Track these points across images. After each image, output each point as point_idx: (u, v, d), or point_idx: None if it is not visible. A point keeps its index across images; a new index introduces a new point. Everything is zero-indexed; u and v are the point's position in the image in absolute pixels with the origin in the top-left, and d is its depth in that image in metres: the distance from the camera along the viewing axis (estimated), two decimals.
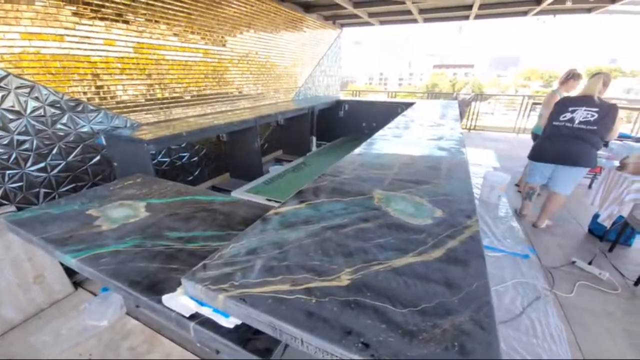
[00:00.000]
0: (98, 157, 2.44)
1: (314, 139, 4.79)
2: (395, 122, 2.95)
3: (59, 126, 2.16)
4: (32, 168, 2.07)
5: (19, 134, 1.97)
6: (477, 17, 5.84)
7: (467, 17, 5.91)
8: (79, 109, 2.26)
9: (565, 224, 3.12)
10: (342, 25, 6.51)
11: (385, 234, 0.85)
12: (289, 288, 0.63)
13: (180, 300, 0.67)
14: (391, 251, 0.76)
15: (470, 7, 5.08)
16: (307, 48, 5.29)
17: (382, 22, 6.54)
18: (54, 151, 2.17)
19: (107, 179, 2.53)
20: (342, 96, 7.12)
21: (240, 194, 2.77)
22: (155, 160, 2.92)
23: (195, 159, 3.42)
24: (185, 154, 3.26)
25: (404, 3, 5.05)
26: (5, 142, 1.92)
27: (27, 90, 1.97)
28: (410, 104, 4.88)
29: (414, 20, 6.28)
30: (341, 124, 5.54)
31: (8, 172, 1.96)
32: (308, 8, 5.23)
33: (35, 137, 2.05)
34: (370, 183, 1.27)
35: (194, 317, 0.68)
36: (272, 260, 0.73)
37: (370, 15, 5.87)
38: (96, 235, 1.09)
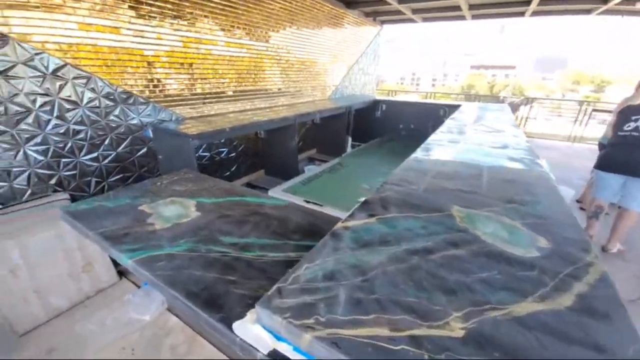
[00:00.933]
0: (144, 149, 2.48)
1: (349, 139, 4.65)
2: (447, 126, 2.73)
3: (111, 117, 2.21)
4: (85, 157, 2.13)
5: (75, 123, 2.03)
6: (535, 13, 5.36)
7: (522, 14, 5.45)
8: (130, 101, 2.30)
9: None
10: (383, 22, 6.28)
11: (485, 265, 0.70)
12: (389, 334, 0.51)
13: (254, 330, 0.57)
14: (503, 291, 0.62)
15: (528, 2, 4.65)
16: (346, 45, 5.15)
17: (425, 19, 6.22)
18: (106, 142, 2.22)
19: (152, 171, 2.58)
20: (377, 96, 6.89)
21: (278, 193, 2.71)
22: (196, 155, 2.93)
23: (233, 154, 3.42)
24: (224, 150, 3.27)
25: None
26: (62, 131, 1.98)
27: (84, 81, 2.02)
28: (454, 106, 4.58)
29: (461, 17, 5.91)
30: (377, 124, 5.35)
31: (63, 160, 2.03)
32: (349, 4, 5.08)
33: (89, 128, 2.11)
34: (443, 196, 1.12)
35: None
36: (357, 290, 0.61)
37: (414, 11, 5.60)
38: (150, 235, 1.04)
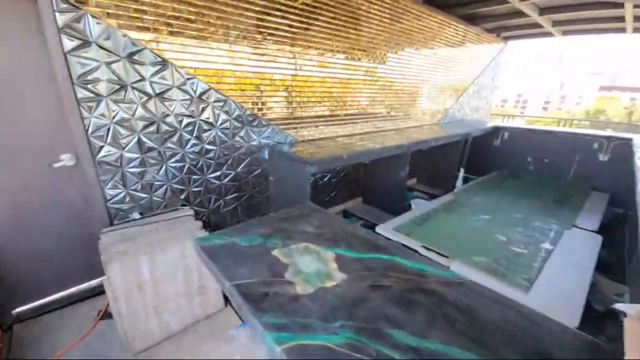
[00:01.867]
0: (259, 170, 2.48)
1: (462, 171, 3.98)
2: None
3: (237, 138, 2.26)
4: (211, 175, 2.21)
5: (208, 143, 2.12)
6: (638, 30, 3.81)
7: (623, 30, 3.97)
8: (255, 123, 2.33)
9: None
10: (507, 38, 5.45)
11: None
12: None
13: None
14: None
15: None
16: (462, 65, 4.58)
17: (565, 33, 5.14)
18: (229, 161, 2.28)
19: (262, 191, 2.56)
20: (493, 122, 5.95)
21: (387, 231, 2.34)
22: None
23: (335, 180, 3.24)
24: (327, 174, 3.12)
25: (621, 6, 3.71)
26: (197, 150, 2.08)
27: (221, 104, 2.11)
28: (619, 140, 3.46)
29: (620, 30, 4.64)
30: (496, 155, 4.50)
31: (194, 177, 2.13)
32: (471, 20, 4.54)
33: (219, 147, 2.18)
34: None
35: None
36: None
37: (556, 23, 4.66)
38: (293, 303, 0.80)
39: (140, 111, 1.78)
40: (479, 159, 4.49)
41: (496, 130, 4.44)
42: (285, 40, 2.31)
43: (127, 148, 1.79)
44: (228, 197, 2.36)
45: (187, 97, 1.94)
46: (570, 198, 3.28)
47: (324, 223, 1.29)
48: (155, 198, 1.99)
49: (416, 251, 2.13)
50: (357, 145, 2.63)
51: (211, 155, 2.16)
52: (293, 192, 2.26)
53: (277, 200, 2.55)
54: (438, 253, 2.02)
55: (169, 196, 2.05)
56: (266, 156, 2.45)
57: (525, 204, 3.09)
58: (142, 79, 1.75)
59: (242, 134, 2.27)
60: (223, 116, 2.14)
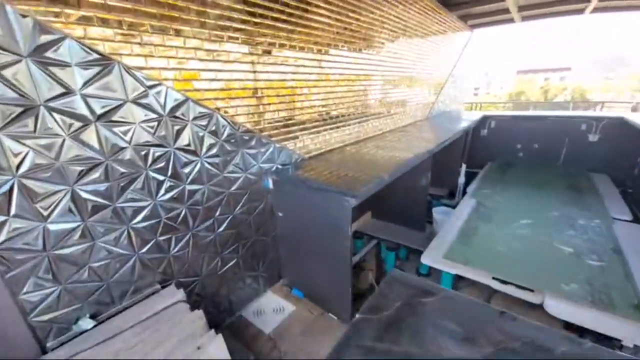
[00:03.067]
0: (261, 205, 1.81)
1: (464, 166, 3.72)
2: None
3: (230, 168, 1.57)
4: (200, 227, 1.49)
5: (191, 182, 1.40)
6: (597, 10, 4.20)
7: (582, 11, 4.35)
8: (252, 143, 1.65)
9: None
10: (473, 26, 5.41)
11: None
12: None
13: None
14: None
15: None
16: (442, 56, 4.33)
17: (525, 18, 5.25)
18: (223, 202, 1.57)
19: (267, 232, 1.89)
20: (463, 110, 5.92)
21: (440, 262, 1.86)
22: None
23: None
24: None
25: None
26: (175, 195, 1.35)
27: (205, 122, 1.40)
28: (607, 119, 3.48)
29: (579, 11, 4.84)
30: (484, 145, 4.37)
31: (174, 235, 1.40)
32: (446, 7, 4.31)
33: (207, 186, 1.47)
34: None
35: None
36: None
37: (521, 8, 4.67)
38: None
39: (71, 148, 1.02)
40: (469, 151, 4.32)
41: (484, 120, 4.30)
42: (282, 41, 1.67)
43: (52, 216, 1.01)
44: (226, 252, 1.66)
45: (153, 115, 1.21)
46: (579, 183, 3.19)
47: (460, 321, 0.73)
48: (115, 283, 1.22)
49: (489, 287, 1.70)
50: (379, 156, 2.11)
51: (197, 198, 1.44)
52: (320, 233, 1.65)
53: (291, 242, 1.90)
54: (520, 287, 1.60)
55: (140, 273, 1.29)
56: (270, 186, 1.79)
57: (545, 195, 2.89)
58: (68, 92, 0.99)
59: (237, 160, 1.59)
60: (209, 139, 1.43)
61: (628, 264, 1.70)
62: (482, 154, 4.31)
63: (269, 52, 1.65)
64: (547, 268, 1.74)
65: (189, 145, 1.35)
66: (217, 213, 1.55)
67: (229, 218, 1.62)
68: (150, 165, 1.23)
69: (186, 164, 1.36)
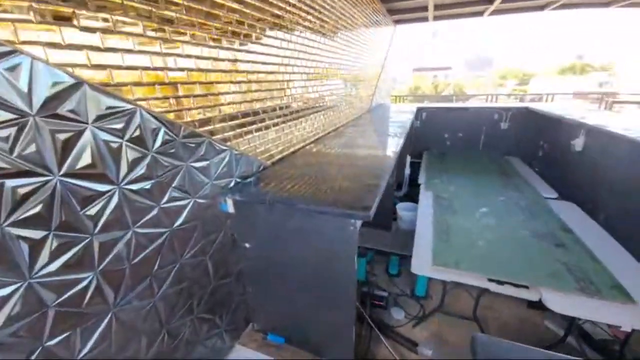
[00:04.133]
0: (220, 236, 1.29)
1: (409, 157, 3.78)
2: None
3: (172, 194, 1.01)
4: (128, 297, 0.90)
5: (102, 230, 0.81)
6: (495, 12, 5.17)
7: (481, 14, 5.27)
8: (201, 151, 1.11)
9: None
10: (396, 22, 5.60)
11: None
12: None
13: None
14: None
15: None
16: (376, 48, 4.30)
17: (437, 18, 5.72)
18: (163, 248, 1.01)
19: (229, 272, 1.38)
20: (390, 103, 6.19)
21: (433, 271, 1.69)
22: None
23: None
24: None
25: None
26: (71, 261, 0.75)
27: (122, 122, 0.82)
28: (514, 110, 4.01)
29: (478, 14, 5.51)
30: (418, 136, 4.58)
31: (82, 329, 0.79)
32: None
33: (133, 230, 0.89)
34: None
35: None
36: None
37: (437, 7, 5.02)
38: None
39: None
40: (405, 142, 4.46)
41: (418, 112, 4.49)
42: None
43: None
44: (175, 320, 1.10)
45: (5, 115, 0.60)
46: (503, 167, 3.58)
47: None
48: None
49: (487, 290, 1.60)
50: (354, 157, 1.81)
51: (117, 254, 0.85)
52: (310, 264, 1.25)
53: (263, 278, 1.44)
54: (516, 285, 1.55)
55: None
56: (229, 209, 1.28)
57: (484, 181, 3.11)
58: None
59: (180, 181, 1.03)
60: (131, 153, 0.85)
61: (585, 244, 1.86)
62: (418, 144, 4.52)
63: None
64: (525, 259, 1.76)
65: (92, 166, 0.76)
66: (156, 267, 0.98)
67: (175, 269, 1.07)
68: (8, 217, 0.62)
69: (89, 201, 0.77)
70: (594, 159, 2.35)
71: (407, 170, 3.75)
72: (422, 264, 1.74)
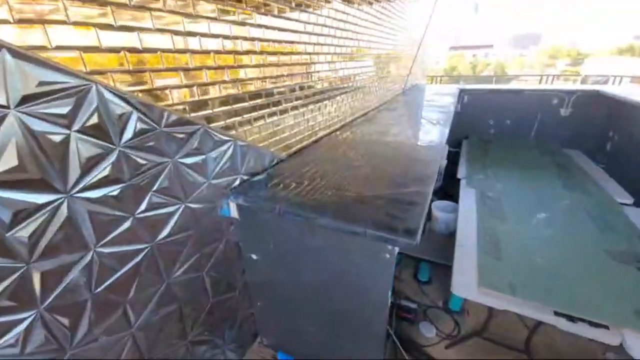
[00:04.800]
0: (220, 246, 1.06)
1: (447, 147, 3.33)
2: None
3: (151, 200, 0.78)
4: (93, 333, 0.70)
5: (41, 258, 0.59)
6: None
7: None
8: (193, 144, 0.86)
9: None
10: None
11: None
12: None
13: None
14: None
15: None
16: (414, 22, 3.77)
17: None
18: (141, 270, 0.79)
19: (233, 285, 1.16)
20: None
21: (481, 294, 1.38)
22: None
23: None
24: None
25: None
26: (6, 298, 0.54)
27: (66, 107, 0.57)
28: (580, 93, 3.38)
29: None
30: (459, 121, 4.06)
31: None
32: None
33: (95, 251, 0.67)
34: None
35: None
36: None
37: None
38: None
39: None
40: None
41: (460, 94, 3.97)
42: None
43: None
44: (161, 350, 0.90)
45: None
46: (562, 161, 3.05)
47: None
48: None
49: (554, 327, 1.26)
50: (391, 149, 1.49)
51: (73, 282, 0.64)
52: (332, 291, 0.99)
53: (273, 294, 1.21)
54: (591, 323, 1.19)
55: None
56: (231, 213, 1.04)
57: (540, 178, 2.64)
58: None
59: (163, 183, 0.79)
60: (89, 148, 0.61)
61: None
62: (457, 131, 4.02)
63: None
64: (602, 287, 1.38)
65: (20, 170, 0.53)
66: (132, 292, 0.77)
67: (159, 291, 0.85)
68: None
69: (19, 219, 0.54)
70: None
71: (444, 161, 3.31)
72: (465, 283, 1.42)
